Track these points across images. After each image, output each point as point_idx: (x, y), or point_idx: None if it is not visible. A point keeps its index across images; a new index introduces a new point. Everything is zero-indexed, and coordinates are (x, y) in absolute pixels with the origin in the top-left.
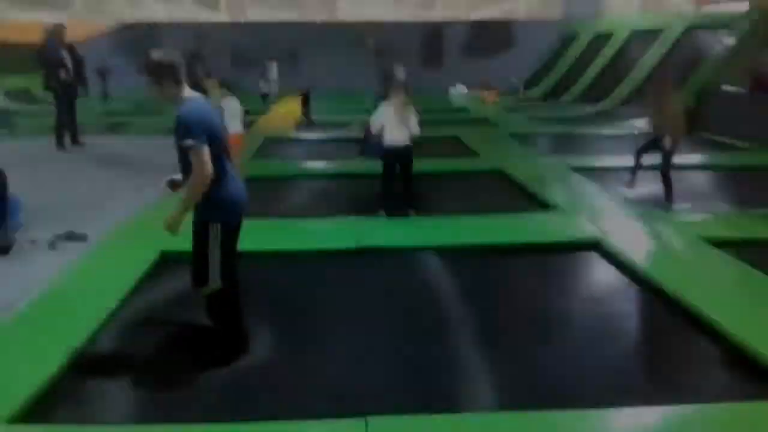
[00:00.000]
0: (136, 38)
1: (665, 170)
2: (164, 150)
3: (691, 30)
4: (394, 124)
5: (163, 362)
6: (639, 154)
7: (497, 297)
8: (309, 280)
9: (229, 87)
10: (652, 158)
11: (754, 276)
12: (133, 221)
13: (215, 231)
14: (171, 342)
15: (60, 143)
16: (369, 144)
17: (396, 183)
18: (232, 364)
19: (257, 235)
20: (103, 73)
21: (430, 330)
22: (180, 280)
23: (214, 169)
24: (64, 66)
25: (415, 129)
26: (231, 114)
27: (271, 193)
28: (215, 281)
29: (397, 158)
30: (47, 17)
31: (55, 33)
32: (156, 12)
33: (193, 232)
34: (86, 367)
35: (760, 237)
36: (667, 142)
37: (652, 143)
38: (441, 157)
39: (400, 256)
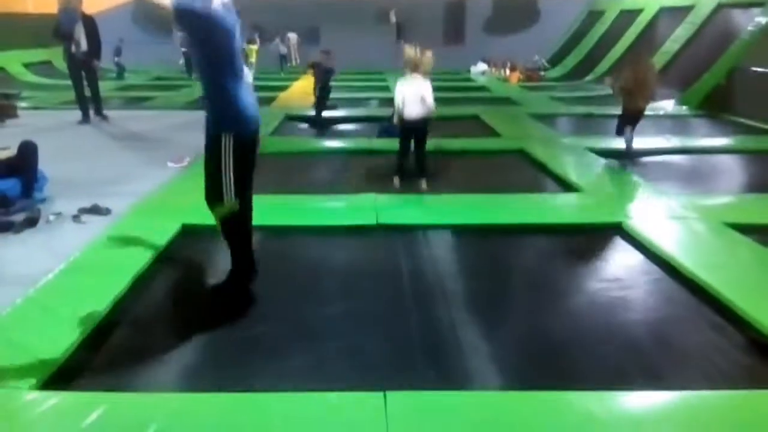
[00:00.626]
0: (153, 12)
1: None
2: (185, 125)
3: (722, 7)
4: (411, 98)
5: (184, 331)
6: (623, 133)
7: (516, 276)
8: (327, 254)
9: (245, 56)
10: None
11: None
12: (155, 195)
13: (227, 143)
14: (191, 312)
15: (85, 116)
16: (385, 125)
17: (410, 156)
18: (250, 333)
19: (277, 210)
20: (119, 47)
21: (449, 307)
22: (201, 252)
23: (230, 71)
24: (72, 39)
25: (431, 103)
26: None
27: (291, 169)
28: (230, 200)
29: (413, 131)
30: None
31: (71, 4)
32: None
33: (206, 146)
34: (111, 335)
35: None
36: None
37: (628, 119)
38: (462, 137)
39: (420, 234)
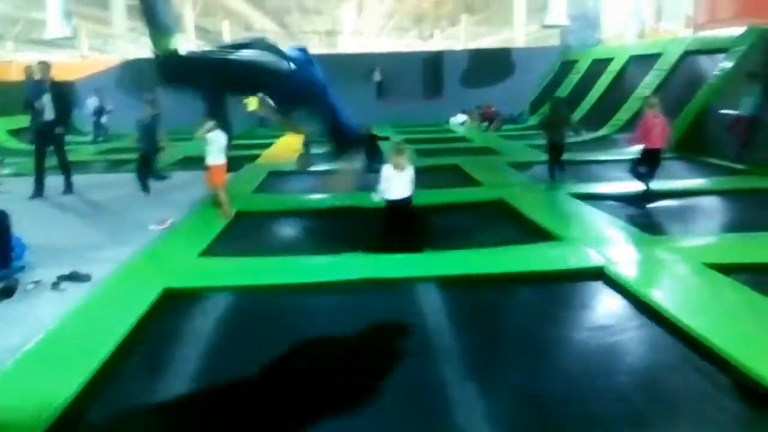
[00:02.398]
0: (139, 75)
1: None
2: (167, 186)
3: (688, 54)
4: (394, 179)
5: (166, 404)
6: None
7: (501, 328)
8: (312, 313)
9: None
10: None
11: (758, 301)
12: (136, 260)
13: None
14: (175, 379)
15: (36, 190)
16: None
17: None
18: (236, 404)
19: (266, 272)
20: (100, 111)
21: (432, 361)
22: (183, 318)
23: None
24: (33, 107)
25: (412, 183)
26: (217, 147)
27: (277, 228)
28: None
29: (398, 211)
30: (54, 57)
31: (36, 74)
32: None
33: None
34: (90, 410)
35: (763, 261)
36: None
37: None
38: (442, 188)
39: (403, 290)
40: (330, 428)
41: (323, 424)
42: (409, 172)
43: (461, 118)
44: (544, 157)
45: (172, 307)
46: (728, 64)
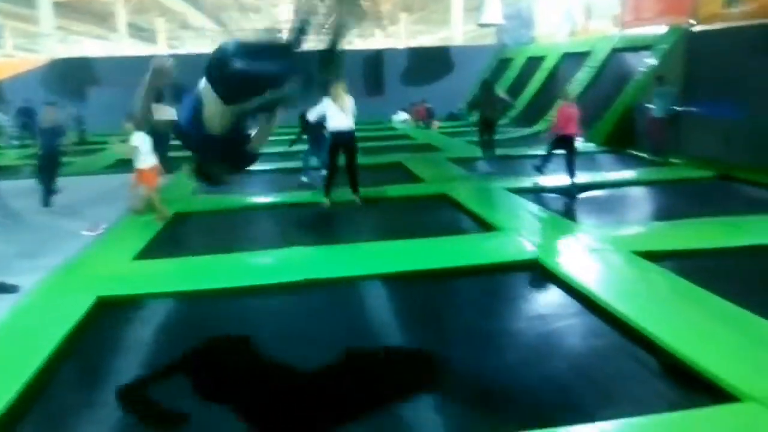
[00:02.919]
0: (67, 74)
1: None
2: (102, 190)
3: (615, 51)
4: (336, 111)
5: (102, 416)
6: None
7: (443, 321)
8: (254, 315)
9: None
10: None
11: (683, 286)
12: (68, 268)
13: None
14: (111, 393)
15: None
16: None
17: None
18: (175, 417)
19: (205, 273)
20: (27, 113)
21: (377, 356)
22: (118, 326)
23: None
24: None
25: (354, 113)
26: (143, 149)
27: (217, 228)
28: None
29: (342, 143)
30: None
31: None
32: (90, 49)
33: None
34: (23, 423)
35: (687, 248)
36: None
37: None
38: (386, 185)
39: (347, 286)
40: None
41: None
42: (349, 103)
43: (403, 116)
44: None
45: (107, 315)
46: (653, 61)
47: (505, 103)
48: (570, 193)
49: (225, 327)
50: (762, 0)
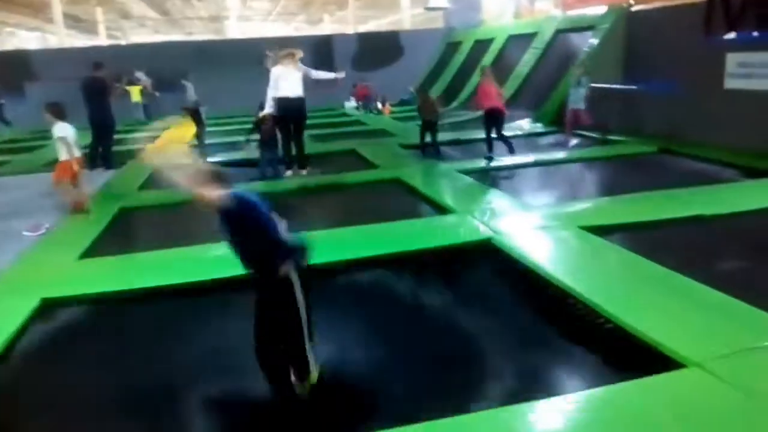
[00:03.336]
0: (5, 70)
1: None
2: (43, 189)
3: (559, 32)
4: (286, 78)
5: (48, 422)
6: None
7: (398, 304)
8: (208, 310)
9: (61, 112)
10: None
11: (630, 258)
12: (9, 270)
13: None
14: (57, 397)
15: None
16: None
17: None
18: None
19: (155, 270)
20: None
21: (341, 340)
22: (63, 330)
23: None
24: None
25: (313, 74)
26: (71, 140)
27: (166, 223)
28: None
29: (290, 111)
30: None
31: None
32: (28, 41)
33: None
34: None
35: (632, 221)
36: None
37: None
38: (341, 172)
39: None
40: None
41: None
42: (299, 72)
43: (355, 101)
44: (438, 136)
45: (52, 317)
46: (595, 41)
47: (439, 107)
48: (519, 173)
49: (177, 324)
50: None
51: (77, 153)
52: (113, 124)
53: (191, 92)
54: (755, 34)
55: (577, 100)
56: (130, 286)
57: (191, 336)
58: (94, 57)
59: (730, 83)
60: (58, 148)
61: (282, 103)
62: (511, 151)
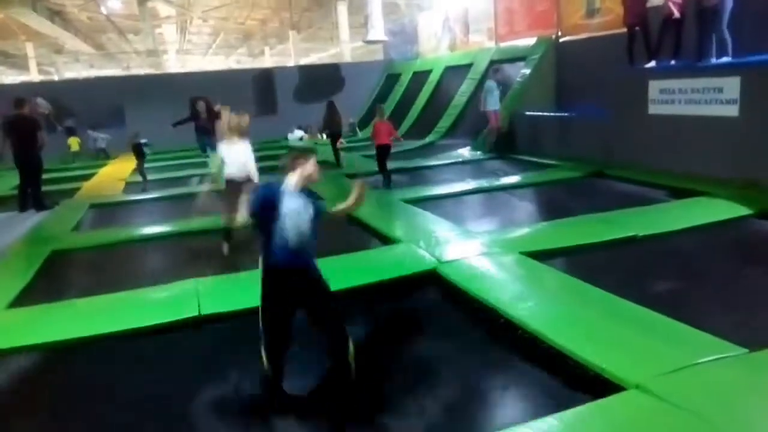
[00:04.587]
0: None
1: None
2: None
3: (493, 63)
4: (233, 159)
5: None
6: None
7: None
8: (152, 356)
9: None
10: None
11: (571, 283)
12: None
13: None
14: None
15: None
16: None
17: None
18: None
19: (90, 317)
20: None
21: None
22: None
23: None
24: None
25: (253, 167)
26: None
27: (101, 265)
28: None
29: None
30: None
31: None
32: None
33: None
34: None
35: (570, 244)
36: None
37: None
38: None
39: (247, 316)
40: None
41: None
42: (245, 149)
43: (298, 133)
44: (376, 167)
45: None
46: (527, 71)
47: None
48: (461, 200)
49: (117, 374)
50: (616, 12)
51: None
52: (41, 164)
53: (100, 142)
54: (672, 62)
55: (494, 102)
56: (62, 336)
57: (132, 383)
58: (23, 93)
59: (653, 109)
60: None
61: (228, 182)
62: (388, 181)
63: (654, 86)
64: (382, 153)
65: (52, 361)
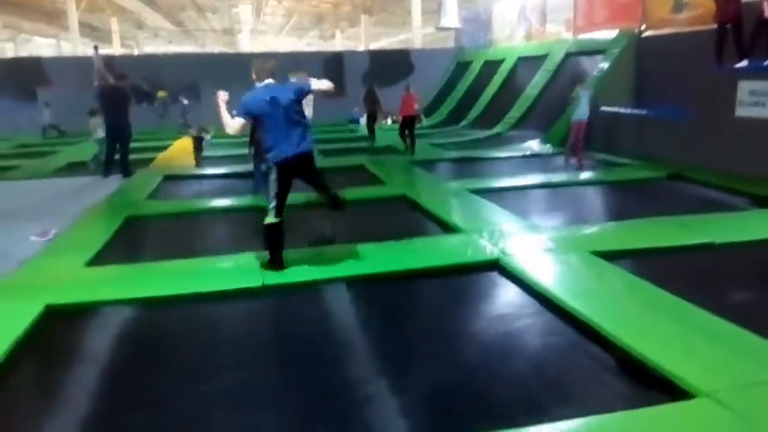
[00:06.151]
0: (19, 75)
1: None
2: (53, 194)
3: (569, 55)
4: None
5: (52, 427)
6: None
7: (405, 324)
8: (215, 323)
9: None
10: None
11: (638, 285)
12: (14, 275)
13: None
14: (62, 407)
15: None
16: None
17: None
18: (129, 422)
19: (161, 279)
20: None
21: (338, 361)
22: (68, 336)
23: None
24: None
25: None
26: None
27: (172, 233)
28: (270, 216)
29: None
30: None
31: None
32: (42, 49)
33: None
34: None
35: (641, 247)
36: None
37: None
38: (348, 187)
39: (308, 290)
40: None
41: None
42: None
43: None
44: (447, 154)
45: (57, 324)
46: (605, 65)
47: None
48: (530, 194)
49: (182, 334)
50: (705, 6)
51: None
52: (130, 133)
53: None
54: (766, 63)
55: (582, 113)
56: (134, 294)
57: (199, 344)
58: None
59: (741, 111)
60: None
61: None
62: (413, 147)
63: (744, 87)
64: (409, 124)
65: (120, 318)
